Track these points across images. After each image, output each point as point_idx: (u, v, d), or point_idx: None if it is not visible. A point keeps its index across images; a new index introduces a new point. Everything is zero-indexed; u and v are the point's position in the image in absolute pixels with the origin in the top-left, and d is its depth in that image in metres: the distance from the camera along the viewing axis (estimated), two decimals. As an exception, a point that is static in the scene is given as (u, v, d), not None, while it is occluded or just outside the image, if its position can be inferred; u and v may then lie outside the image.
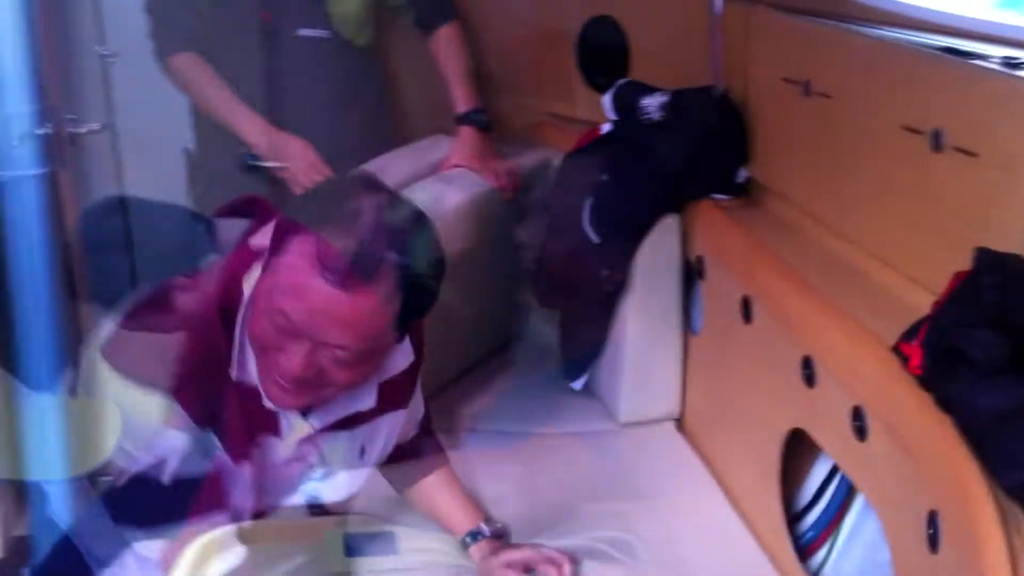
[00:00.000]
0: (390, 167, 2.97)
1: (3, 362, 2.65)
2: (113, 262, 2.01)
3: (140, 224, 2.00)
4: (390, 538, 1.26)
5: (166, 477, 2.16)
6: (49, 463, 2.85)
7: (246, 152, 3.09)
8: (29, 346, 2.77)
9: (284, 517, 1.42)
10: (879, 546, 2.09)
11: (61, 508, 2.83)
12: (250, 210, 2.10)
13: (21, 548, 2.91)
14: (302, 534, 1.30)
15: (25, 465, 2.85)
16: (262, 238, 1.96)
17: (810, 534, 2.47)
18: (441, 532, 1.51)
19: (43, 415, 2.82)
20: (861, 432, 1.93)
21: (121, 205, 2.13)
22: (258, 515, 1.62)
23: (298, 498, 1.40)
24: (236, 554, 1.31)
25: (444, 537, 1.27)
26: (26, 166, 2.63)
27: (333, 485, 1.36)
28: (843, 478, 2.32)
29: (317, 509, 1.37)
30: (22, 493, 2.87)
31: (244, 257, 1.95)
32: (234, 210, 2.13)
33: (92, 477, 3.06)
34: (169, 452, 2.22)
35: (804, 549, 2.43)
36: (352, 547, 1.25)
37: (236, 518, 1.52)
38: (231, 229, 2.04)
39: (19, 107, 2.61)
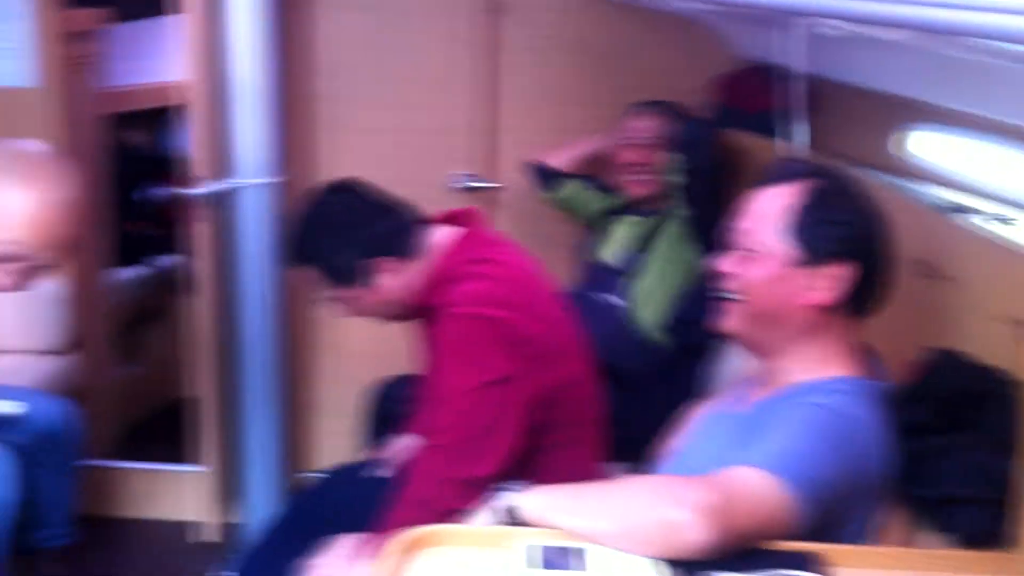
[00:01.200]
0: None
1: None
2: None
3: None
4: (580, 554, 1.27)
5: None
6: (263, 457, 3.04)
7: (458, 173, 3.19)
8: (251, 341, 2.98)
9: (480, 524, 1.46)
10: None
11: (271, 500, 3.01)
12: (461, 219, 2.20)
13: (233, 535, 3.12)
14: (497, 541, 1.34)
15: (240, 458, 3.05)
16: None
17: None
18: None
19: (259, 413, 3.01)
20: None
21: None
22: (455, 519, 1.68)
23: (497, 507, 1.44)
24: (436, 554, 1.36)
25: (634, 557, 1.27)
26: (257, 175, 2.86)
27: (531, 497, 1.39)
28: None
29: (512, 519, 1.41)
30: (236, 484, 3.06)
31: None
32: (451, 218, 2.23)
33: (299, 473, 3.25)
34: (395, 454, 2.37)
35: None
36: (543, 560, 1.28)
37: (435, 520, 1.59)
38: (442, 233, 2.13)
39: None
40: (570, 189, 3.06)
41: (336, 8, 3.15)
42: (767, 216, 1.58)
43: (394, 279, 2.08)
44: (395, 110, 3.19)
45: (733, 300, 1.62)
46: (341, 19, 3.15)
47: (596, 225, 3.00)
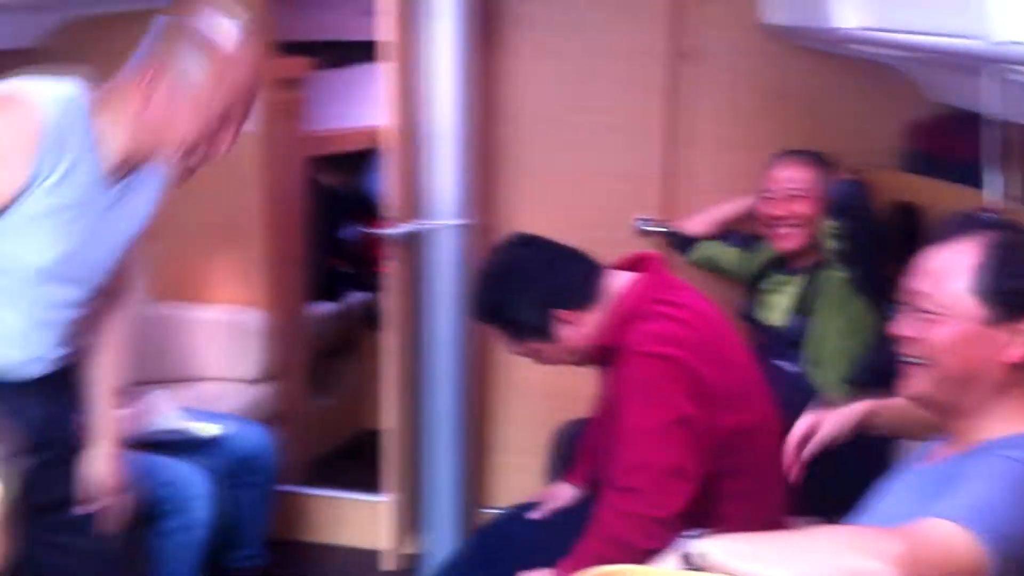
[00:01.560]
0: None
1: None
2: None
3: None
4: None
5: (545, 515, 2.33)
6: (447, 490, 3.11)
7: (641, 218, 3.22)
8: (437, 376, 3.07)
9: (665, 567, 1.46)
10: None
11: (454, 533, 3.08)
12: (639, 264, 2.22)
13: (416, 565, 3.21)
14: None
15: (425, 490, 3.13)
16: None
17: None
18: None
19: (444, 447, 3.09)
20: None
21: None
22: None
23: (682, 552, 1.44)
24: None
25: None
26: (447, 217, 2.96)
27: (718, 543, 1.39)
28: None
29: (698, 565, 1.41)
30: (420, 515, 3.14)
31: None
32: (628, 263, 2.25)
33: (482, 508, 3.31)
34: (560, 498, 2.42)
35: None
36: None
37: (621, 559, 1.60)
38: (620, 278, 2.16)
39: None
40: (706, 250, 3.04)
41: (525, 56, 3.24)
42: (950, 274, 1.52)
43: (575, 329, 2.13)
44: (582, 154, 3.25)
45: (919, 364, 1.56)
46: (530, 66, 3.25)
47: (752, 286, 2.94)
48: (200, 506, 2.51)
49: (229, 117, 1.83)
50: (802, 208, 2.76)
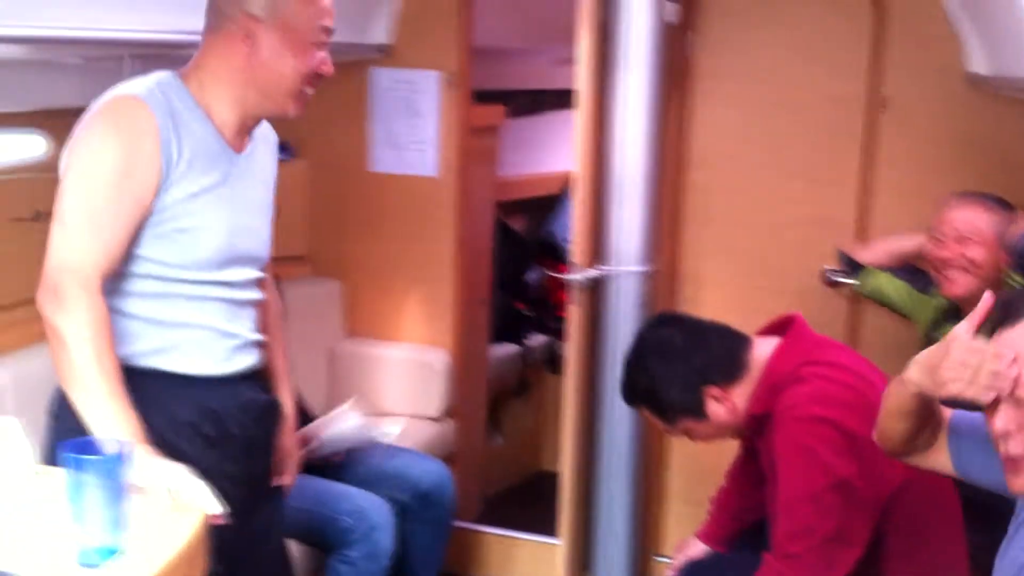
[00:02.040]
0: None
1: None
2: None
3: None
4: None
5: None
6: (616, 536, 3.10)
7: (830, 268, 3.14)
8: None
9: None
10: None
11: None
12: (784, 328, 2.18)
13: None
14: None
15: (594, 534, 3.13)
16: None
17: None
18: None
19: (615, 492, 3.09)
20: None
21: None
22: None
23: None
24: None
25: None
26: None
27: None
28: None
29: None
30: (588, 559, 3.14)
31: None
32: (773, 328, 2.23)
33: (651, 556, 3.28)
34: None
35: None
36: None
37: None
38: (766, 345, 2.13)
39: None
40: (874, 280, 2.91)
41: (715, 104, 3.24)
42: None
43: (726, 404, 2.12)
44: (771, 202, 3.21)
45: None
46: (720, 114, 3.24)
47: (927, 334, 2.77)
48: (384, 536, 2.59)
49: (324, 38, 1.87)
50: (973, 252, 2.58)
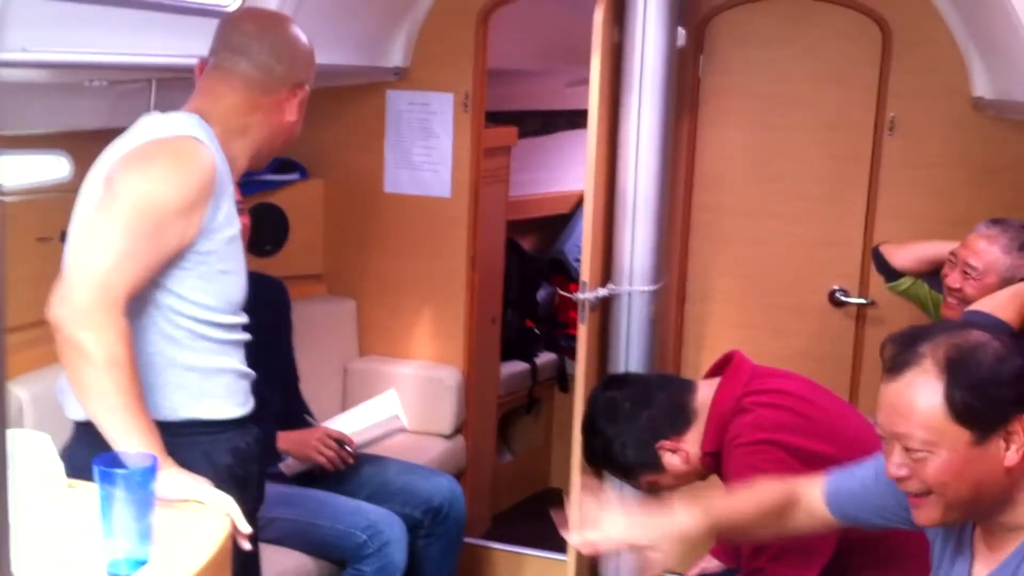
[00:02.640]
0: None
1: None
2: None
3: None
4: None
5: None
6: (624, 555, 3.13)
7: (838, 288, 3.18)
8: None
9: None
10: None
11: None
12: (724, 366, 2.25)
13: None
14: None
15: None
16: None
17: None
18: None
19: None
20: None
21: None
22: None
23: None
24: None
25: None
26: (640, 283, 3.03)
27: None
28: None
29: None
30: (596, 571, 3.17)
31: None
32: (715, 369, 2.30)
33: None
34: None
35: None
36: None
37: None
38: (709, 387, 2.20)
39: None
40: (906, 285, 2.94)
41: (720, 126, 3.30)
42: (922, 410, 1.45)
43: (678, 454, 2.18)
44: (779, 222, 3.27)
45: (925, 496, 1.49)
46: (725, 137, 3.30)
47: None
48: (396, 551, 2.64)
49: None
50: (971, 289, 2.61)
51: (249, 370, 1.99)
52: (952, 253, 2.70)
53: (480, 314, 3.57)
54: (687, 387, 2.25)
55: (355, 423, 3.03)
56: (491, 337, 3.77)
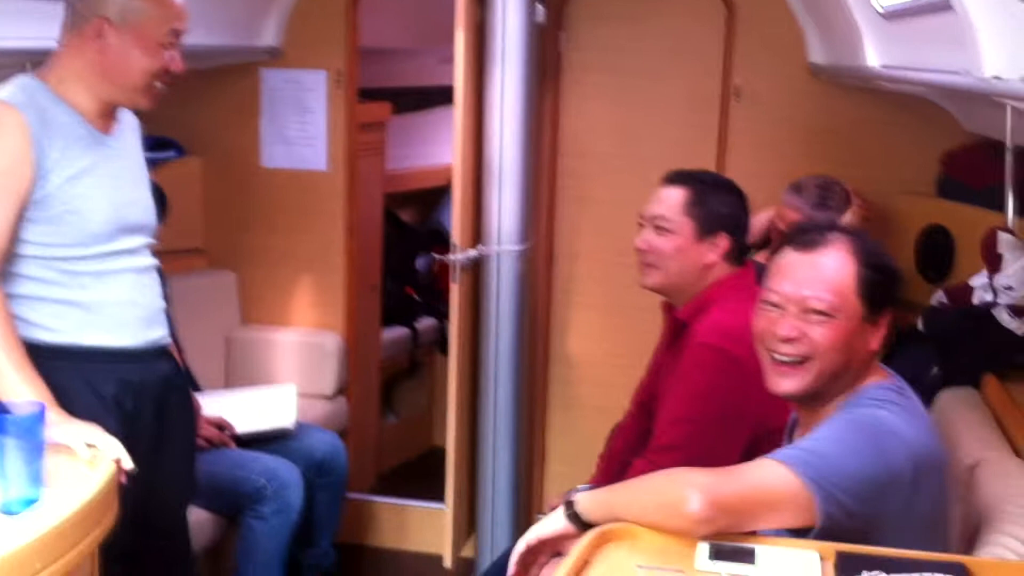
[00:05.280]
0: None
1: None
2: None
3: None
4: (751, 553, 1.45)
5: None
6: (499, 499, 3.32)
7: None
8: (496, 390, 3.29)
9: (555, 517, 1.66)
10: None
11: (505, 537, 3.28)
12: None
13: (466, 569, 3.42)
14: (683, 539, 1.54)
15: (480, 499, 3.34)
16: None
17: None
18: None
19: (498, 459, 3.30)
20: None
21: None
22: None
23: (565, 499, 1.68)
24: (625, 547, 1.58)
25: (801, 554, 1.43)
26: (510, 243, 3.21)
27: (585, 494, 1.61)
28: None
29: (571, 511, 1.64)
30: (475, 522, 3.36)
31: None
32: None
33: (536, 514, 3.50)
34: None
35: None
36: (720, 554, 1.47)
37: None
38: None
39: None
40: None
41: (582, 98, 3.50)
42: (838, 279, 1.69)
43: (708, 254, 2.24)
44: (637, 186, 3.44)
45: (799, 363, 1.70)
46: (586, 107, 3.51)
47: None
48: (293, 494, 2.79)
49: (174, 39, 2.06)
50: None
51: (145, 300, 2.11)
52: (771, 223, 3.00)
53: (359, 281, 3.71)
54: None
55: (243, 408, 3.06)
56: (371, 303, 3.91)
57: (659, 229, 2.27)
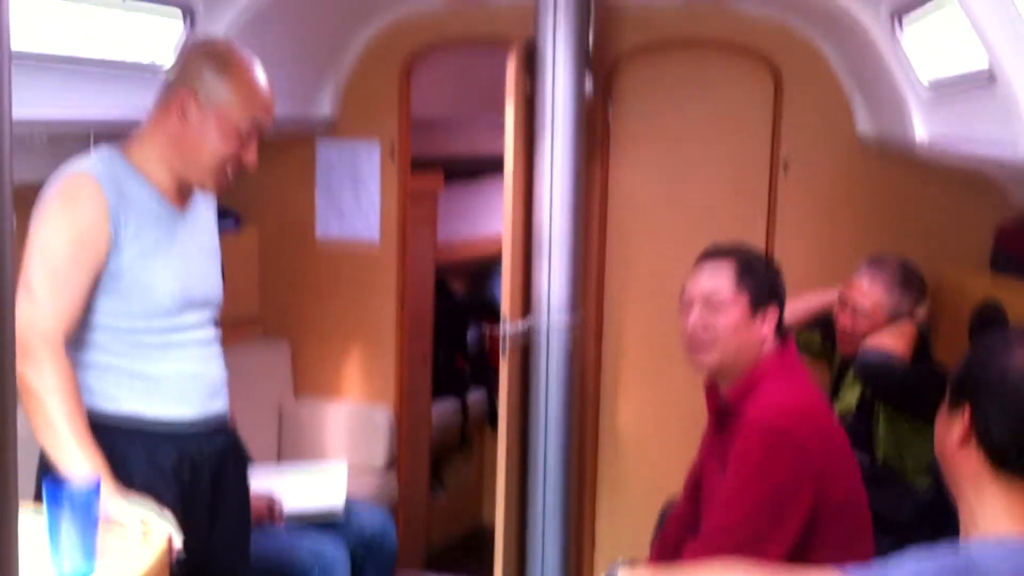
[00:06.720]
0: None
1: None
2: None
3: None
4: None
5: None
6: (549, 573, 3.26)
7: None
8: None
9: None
10: None
11: None
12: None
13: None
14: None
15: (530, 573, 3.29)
16: None
17: None
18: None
19: (547, 540, 3.25)
20: None
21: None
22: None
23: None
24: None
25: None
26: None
27: (634, 571, 1.58)
28: None
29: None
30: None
31: None
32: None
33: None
34: None
35: None
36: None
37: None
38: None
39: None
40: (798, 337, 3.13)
41: (630, 167, 3.51)
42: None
43: (762, 328, 2.18)
44: (686, 256, 3.44)
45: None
46: (635, 175, 3.51)
47: (832, 378, 3.03)
48: (340, 574, 2.75)
49: (253, 130, 2.06)
50: (862, 328, 2.85)
51: (206, 372, 2.13)
52: (840, 297, 2.94)
53: (410, 353, 3.71)
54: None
55: (293, 486, 3.03)
56: (422, 376, 3.91)
57: (711, 306, 2.19)
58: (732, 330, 2.18)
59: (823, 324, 3.14)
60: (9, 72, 0.74)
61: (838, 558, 2.18)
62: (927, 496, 2.69)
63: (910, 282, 2.88)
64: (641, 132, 3.50)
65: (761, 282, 2.22)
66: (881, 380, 2.77)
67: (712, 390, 2.30)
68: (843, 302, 2.92)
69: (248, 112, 2.05)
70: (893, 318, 2.84)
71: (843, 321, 2.91)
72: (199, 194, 2.17)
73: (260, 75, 2.08)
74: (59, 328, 1.92)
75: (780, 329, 2.24)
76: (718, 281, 2.20)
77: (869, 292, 2.87)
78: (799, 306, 3.11)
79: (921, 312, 2.90)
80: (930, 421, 1.56)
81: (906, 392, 2.75)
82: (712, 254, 2.28)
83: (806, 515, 2.09)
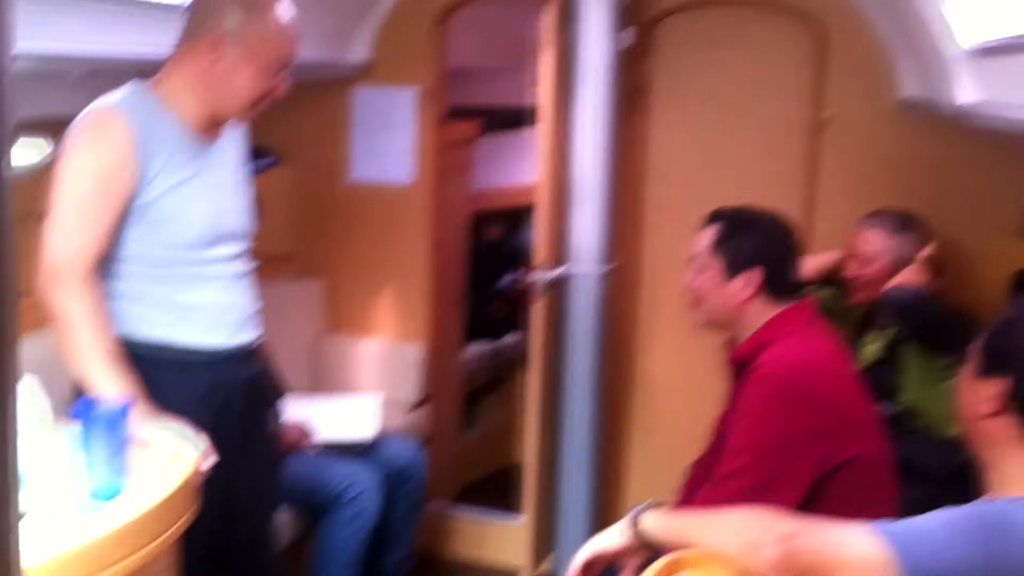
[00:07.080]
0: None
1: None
2: None
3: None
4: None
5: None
6: (576, 514, 3.33)
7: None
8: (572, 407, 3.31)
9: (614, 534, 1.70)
10: None
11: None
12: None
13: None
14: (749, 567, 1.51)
15: (557, 514, 3.36)
16: None
17: None
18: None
19: (575, 475, 3.32)
20: None
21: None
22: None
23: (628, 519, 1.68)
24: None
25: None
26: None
27: (653, 515, 1.60)
28: None
29: (635, 530, 1.63)
30: (552, 536, 3.38)
31: None
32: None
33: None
34: None
35: None
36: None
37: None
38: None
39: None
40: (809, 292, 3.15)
41: (669, 121, 3.52)
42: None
43: (743, 291, 2.24)
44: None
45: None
46: (673, 131, 3.52)
47: (851, 334, 3.01)
48: (369, 498, 2.87)
49: (283, 65, 2.11)
50: (869, 273, 2.93)
51: (238, 303, 2.20)
52: (845, 249, 3.00)
53: (443, 295, 3.77)
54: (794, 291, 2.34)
55: (327, 415, 3.12)
56: (454, 317, 3.98)
57: (695, 267, 2.34)
58: (707, 291, 2.31)
59: (836, 283, 3.14)
60: (9, 72, 0.77)
61: (856, 512, 2.22)
62: (957, 443, 2.69)
63: (909, 226, 2.95)
64: (681, 86, 3.50)
65: (741, 247, 2.28)
66: (916, 314, 2.80)
67: (728, 346, 2.37)
68: (850, 254, 2.99)
69: (277, 50, 2.09)
70: (898, 264, 2.89)
71: (851, 270, 2.99)
72: (229, 129, 2.22)
73: (286, 9, 2.12)
74: (87, 256, 1.99)
75: (783, 288, 2.28)
76: (700, 244, 2.34)
77: (871, 238, 2.95)
78: (810, 264, 3.10)
79: (926, 255, 2.92)
80: (960, 360, 1.57)
81: (943, 325, 2.77)
82: (708, 218, 2.37)
83: (816, 465, 2.12)
